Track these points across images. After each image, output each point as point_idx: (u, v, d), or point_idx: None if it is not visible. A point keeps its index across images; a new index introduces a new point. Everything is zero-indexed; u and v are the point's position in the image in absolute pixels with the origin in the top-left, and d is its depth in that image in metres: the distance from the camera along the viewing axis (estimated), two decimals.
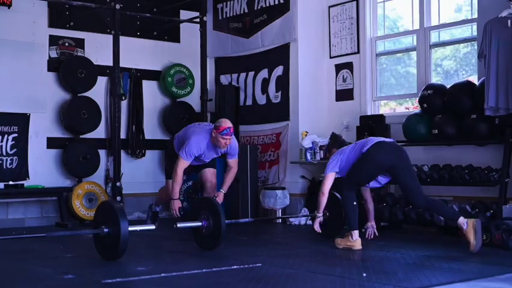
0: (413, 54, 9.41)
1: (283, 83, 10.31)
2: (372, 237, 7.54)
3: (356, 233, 6.97)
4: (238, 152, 7.81)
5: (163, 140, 10.90)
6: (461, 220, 6.68)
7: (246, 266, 5.91)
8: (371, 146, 7.00)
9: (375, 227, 7.63)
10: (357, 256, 6.52)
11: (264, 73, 10.63)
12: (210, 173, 7.85)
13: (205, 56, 10.58)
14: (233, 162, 7.71)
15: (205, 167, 7.80)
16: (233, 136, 7.52)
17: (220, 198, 7.48)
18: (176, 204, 7.43)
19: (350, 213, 7.07)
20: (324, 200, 7.20)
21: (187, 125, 7.99)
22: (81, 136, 10.06)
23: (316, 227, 7.31)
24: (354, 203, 7.07)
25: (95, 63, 10.16)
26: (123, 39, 9.61)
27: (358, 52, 9.86)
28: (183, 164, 7.38)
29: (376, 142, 7.05)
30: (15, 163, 9.49)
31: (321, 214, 7.33)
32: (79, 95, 10.03)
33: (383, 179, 7.23)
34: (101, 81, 10.31)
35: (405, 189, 6.99)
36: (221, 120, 7.42)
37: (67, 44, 10.11)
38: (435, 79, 9.13)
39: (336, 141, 7.62)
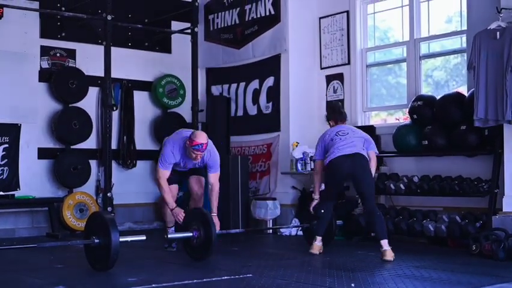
0: (403, 65, 9.46)
1: (274, 94, 10.34)
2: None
3: (318, 238, 7.39)
4: (220, 165, 7.67)
5: (154, 150, 10.88)
6: (384, 242, 7.01)
7: (237, 276, 5.92)
8: (329, 161, 7.35)
9: None
10: (347, 266, 6.53)
11: (255, 84, 10.66)
12: (194, 182, 7.82)
13: (196, 67, 10.59)
14: (213, 177, 7.55)
15: (192, 173, 7.77)
16: (213, 148, 7.50)
17: (217, 224, 7.18)
18: (179, 213, 7.36)
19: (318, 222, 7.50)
20: (318, 179, 7.68)
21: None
22: (72, 146, 10.06)
23: (312, 208, 7.67)
24: (322, 210, 7.44)
25: (86, 73, 10.16)
26: (114, 50, 9.62)
27: (349, 63, 9.90)
28: (163, 173, 7.39)
29: (333, 158, 7.32)
30: (5, 174, 9.48)
31: (318, 196, 7.66)
32: (70, 105, 10.03)
33: None
34: (93, 92, 10.32)
35: (359, 194, 7.48)
36: (196, 134, 7.27)
37: (58, 55, 10.11)
38: (425, 90, 9.18)
39: (332, 113, 7.98)
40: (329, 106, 8.11)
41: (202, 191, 7.86)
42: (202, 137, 7.23)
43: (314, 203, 7.65)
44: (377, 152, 7.78)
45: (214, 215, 7.36)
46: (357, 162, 7.26)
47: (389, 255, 6.92)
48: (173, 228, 7.86)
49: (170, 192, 7.52)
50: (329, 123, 7.89)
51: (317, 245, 7.36)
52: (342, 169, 7.26)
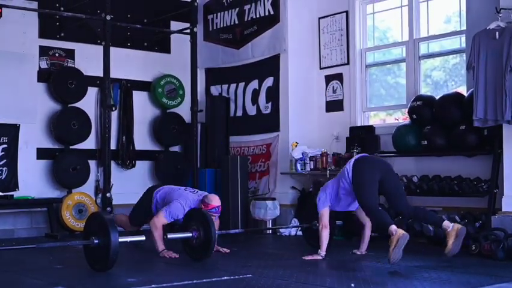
0: (403, 65, 9.46)
1: (273, 94, 10.34)
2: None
3: (393, 227, 6.64)
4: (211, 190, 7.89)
5: (153, 150, 10.90)
6: (446, 223, 6.75)
7: (237, 277, 5.92)
8: (354, 163, 7.10)
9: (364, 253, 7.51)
10: (347, 267, 6.53)
11: (254, 84, 10.66)
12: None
13: (196, 67, 10.59)
14: (216, 222, 7.61)
15: None
16: None
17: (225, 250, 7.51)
18: (169, 253, 7.22)
19: (378, 217, 6.91)
20: (326, 234, 7.10)
21: (170, 186, 7.92)
22: (71, 147, 10.05)
23: (309, 259, 7.04)
24: (378, 208, 7.05)
25: (85, 74, 10.15)
26: (113, 50, 9.62)
27: (348, 63, 9.91)
28: (164, 221, 7.33)
29: (356, 159, 7.17)
30: (4, 174, 9.47)
31: (324, 253, 7.08)
32: (69, 105, 10.02)
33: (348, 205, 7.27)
34: (92, 92, 10.31)
35: (391, 194, 7.09)
36: (211, 198, 7.41)
37: (57, 55, 10.11)
38: (424, 90, 9.18)
39: (321, 184, 7.67)
40: (315, 184, 7.99)
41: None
42: (216, 200, 7.44)
43: (317, 258, 7.03)
44: None
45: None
46: (383, 162, 7.21)
47: (458, 225, 6.69)
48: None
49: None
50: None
51: (398, 229, 6.63)
52: (371, 165, 7.06)
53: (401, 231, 6.55)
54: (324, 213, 7.19)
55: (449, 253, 6.60)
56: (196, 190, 7.83)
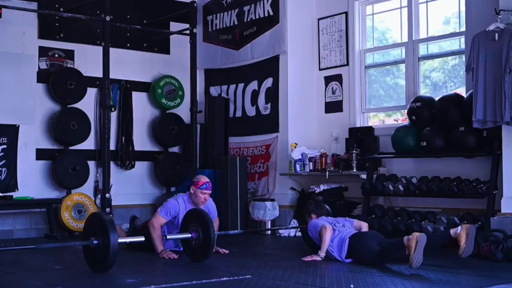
0: (402, 66, 9.47)
1: (272, 95, 10.34)
2: None
3: (405, 238, 6.54)
4: (218, 214, 7.87)
5: (152, 151, 10.90)
6: (453, 230, 6.55)
7: (236, 277, 5.91)
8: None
9: None
10: (346, 268, 6.53)
11: (253, 85, 10.66)
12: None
13: (195, 68, 10.60)
14: (216, 221, 7.71)
15: None
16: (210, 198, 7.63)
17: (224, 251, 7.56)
18: (168, 254, 7.21)
19: (387, 247, 6.78)
20: (329, 236, 7.01)
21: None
22: (70, 147, 10.04)
23: (308, 259, 7.02)
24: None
25: (84, 74, 10.15)
26: (113, 51, 9.63)
27: (347, 64, 9.91)
28: (161, 219, 7.37)
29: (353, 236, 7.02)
30: (4, 174, 9.46)
31: (324, 254, 7.02)
32: (68, 106, 10.02)
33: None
34: (91, 93, 10.31)
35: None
36: (198, 176, 7.64)
37: (56, 56, 10.10)
38: (423, 91, 9.19)
39: (318, 209, 7.59)
40: (317, 204, 7.93)
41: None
42: (204, 177, 7.58)
43: (317, 259, 7.02)
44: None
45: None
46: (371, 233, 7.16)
47: (466, 225, 6.56)
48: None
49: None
50: (310, 216, 7.52)
51: (414, 234, 6.51)
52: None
53: (416, 234, 6.40)
54: (326, 231, 7.05)
55: (463, 254, 6.35)
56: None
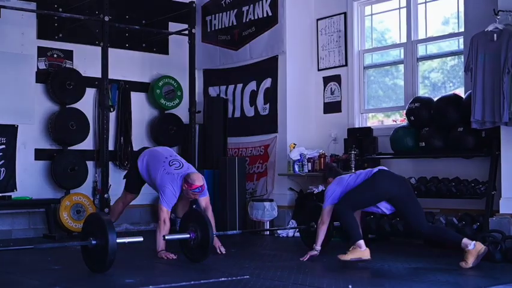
0: (401, 66, 9.47)
1: (271, 95, 10.35)
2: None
3: (362, 243, 6.70)
4: (208, 190, 7.82)
5: None
6: (466, 241, 6.49)
7: (234, 278, 5.92)
8: (376, 171, 6.89)
9: None
10: (344, 268, 6.54)
11: (252, 85, 10.66)
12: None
13: (194, 68, 10.60)
14: (205, 200, 7.67)
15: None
16: None
17: (219, 245, 7.58)
18: (166, 254, 7.20)
19: (350, 225, 6.82)
20: (324, 229, 7.01)
21: (152, 152, 8.00)
22: (69, 148, 10.03)
23: (307, 258, 7.02)
24: (350, 214, 6.84)
25: (83, 74, 10.15)
26: (112, 51, 9.63)
27: (346, 65, 9.92)
28: (168, 213, 7.37)
29: (381, 169, 6.97)
30: (2, 174, 9.45)
31: (319, 248, 7.07)
32: (67, 106, 10.01)
33: (387, 209, 6.96)
34: (90, 93, 10.30)
35: (409, 219, 6.86)
36: (194, 178, 7.34)
37: (55, 56, 10.10)
38: (422, 91, 9.19)
39: (331, 171, 7.46)
40: (328, 167, 7.90)
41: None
42: (199, 179, 7.36)
43: (312, 254, 7.03)
44: None
45: (215, 237, 7.45)
46: (405, 185, 6.92)
47: (480, 245, 6.48)
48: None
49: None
50: (327, 182, 7.31)
51: (367, 249, 6.72)
52: (390, 186, 6.81)
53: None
54: (327, 211, 6.99)
55: (464, 267, 6.41)
56: (179, 163, 7.72)
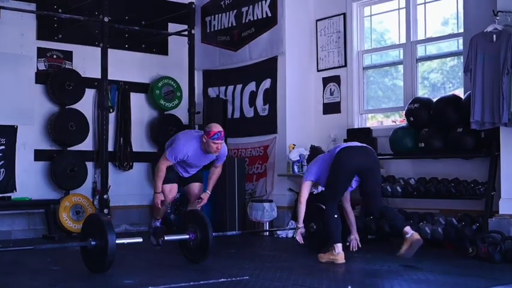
0: (400, 67, 9.47)
1: (270, 96, 10.35)
2: (356, 249, 7.57)
3: (339, 246, 6.90)
4: (227, 155, 7.81)
5: (150, 152, 10.90)
6: (407, 229, 6.75)
7: (234, 279, 5.92)
8: (337, 152, 7.10)
9: (358, 239, 7.66)
10: (343, 269, 6.54)
11: (251, 86, 10.66)
12: (196, 188, 7.81)
13: (193, 69, 10.60)
14: (219, 166, 7.75)
15: (192, 180, 7.78)
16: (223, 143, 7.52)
17: (205, 199, 7.62)
18: (158, 198, 7.44)
19: (331, 226, 7.02)
20: (302, 209, 7.21)
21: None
22: (69, 148, 10.04)
23: (299, 238, 7.30)
24: (336, 215, 7.03)
25: (83, 75, 10.16)
26: (111, 52, 9.62)
27: (345, 65, 9.91)
28: (166, 162, 7.38)
29: (343, 147, 7.18)
30: (2, 175, 9.45)
31: (302, 225, 7.31)
32: (66, 107, 10.02)
33: (354, 183, 7.29)
34: (89, 94, 10.31)
35: (368, 192, 7.15)
36: (211, 125, 7.36)
37: (55, 57, 10.10)
38: (422, 92, 9.19)
39: (314, 153, 7.79)
40: (311, 148, 8.15)
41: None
42: (217, 126, 7.32)
43: (299, 233, 7.31)
44: None
45: (208, 192, 7.63)
46: (371, 157, 7.15)
47: (417, 234, 6.75)
48: (158, 222, 7.91)
49: (170, 193, 7.61)
50: (309, 162, 7.81)
51: (341, 253, 6.88)
52: (355, 161, 7.02)
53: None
54: (306, 186, 7.26)
55: (400, 256, 6.72)
56: (198, 130, 7.97)
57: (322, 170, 7.23)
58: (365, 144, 7.30)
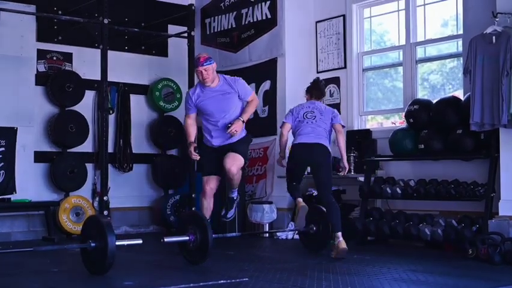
0: (400, 69, 9.47)
1: (270, 98, 10.35)
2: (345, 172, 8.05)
3: (299, 200, 7.86)
4: (251, 90, 7.82)
5: (150, 154, 10.91)
6: (339, 234, 7.30)
7: (233, 280, 5.92)
8: (293, 144, 7.89)
9: (347, 166, 8.02)
10: (343, 270, 6.53)
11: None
12: (230, 159, 7.34)
13: (193, 71, 10.54)
14: (251, 97, 7.65)
15: (226, 152, 7.41)
16: (232, 77, 7.63)
17: (235, 126, 7.30)
18: (192, 147, 7.53)
19: (292, 192, 8.03)
20: (283, 142, 8.04)
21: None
22: (68, 150, 10.05)
23: (282, 164, 8.27)
24: (294, 183, 7.99)
25: (83, 77, 10.16)
26: (111, 54, 9.60)
27: (345, 67, 9.92)
28: (189, 116, 7.59)
29: (297, 143, 7.82)
30: (2, 177, 9.44)
31: (282, 154, 8.17)
32: (66, 109, 10.03)
33: None
34: (89, 96, 10.31)
35: (317, 184, 7.76)
36: (197, 55, 7.69)
37: (54, 58, 10.11)
38: (421, 93, 9.20)
39: (313, 87, 8.27)
40: (314, 81, 8.35)
41: (237, 170, 7.44)
42: (201, 54, 7.58)
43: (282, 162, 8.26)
44: (343, 124, 8.08)
45: (241, 119, 7.42)
46: (318, 151, 7.66)
47: (344, 244, 7.22)
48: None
49: (207, 184, 7.56)
50: (305, 96, 8.27)
51: (300, 200, 7.84)
52: (303, 156, 7.73)
53: (301, 204, 7.75)
54: (285, 127, 8.07)
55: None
56: None
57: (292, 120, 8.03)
58: (315, 141, 7.71)
